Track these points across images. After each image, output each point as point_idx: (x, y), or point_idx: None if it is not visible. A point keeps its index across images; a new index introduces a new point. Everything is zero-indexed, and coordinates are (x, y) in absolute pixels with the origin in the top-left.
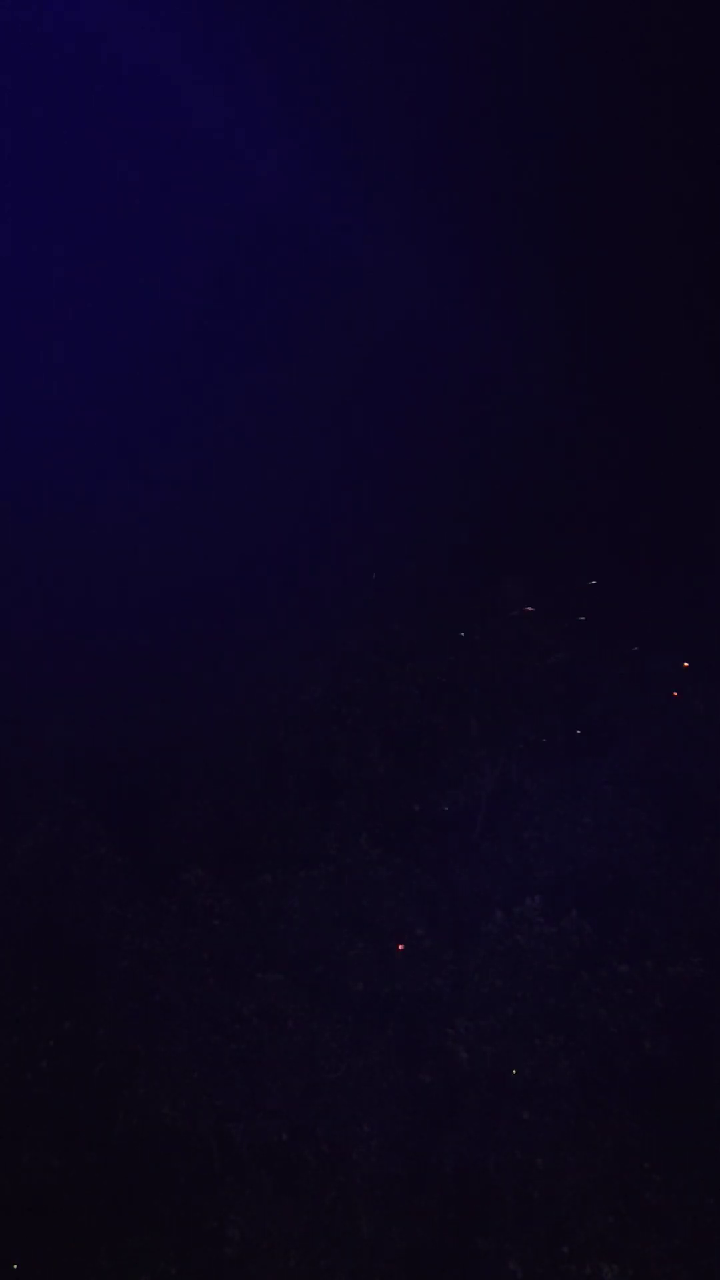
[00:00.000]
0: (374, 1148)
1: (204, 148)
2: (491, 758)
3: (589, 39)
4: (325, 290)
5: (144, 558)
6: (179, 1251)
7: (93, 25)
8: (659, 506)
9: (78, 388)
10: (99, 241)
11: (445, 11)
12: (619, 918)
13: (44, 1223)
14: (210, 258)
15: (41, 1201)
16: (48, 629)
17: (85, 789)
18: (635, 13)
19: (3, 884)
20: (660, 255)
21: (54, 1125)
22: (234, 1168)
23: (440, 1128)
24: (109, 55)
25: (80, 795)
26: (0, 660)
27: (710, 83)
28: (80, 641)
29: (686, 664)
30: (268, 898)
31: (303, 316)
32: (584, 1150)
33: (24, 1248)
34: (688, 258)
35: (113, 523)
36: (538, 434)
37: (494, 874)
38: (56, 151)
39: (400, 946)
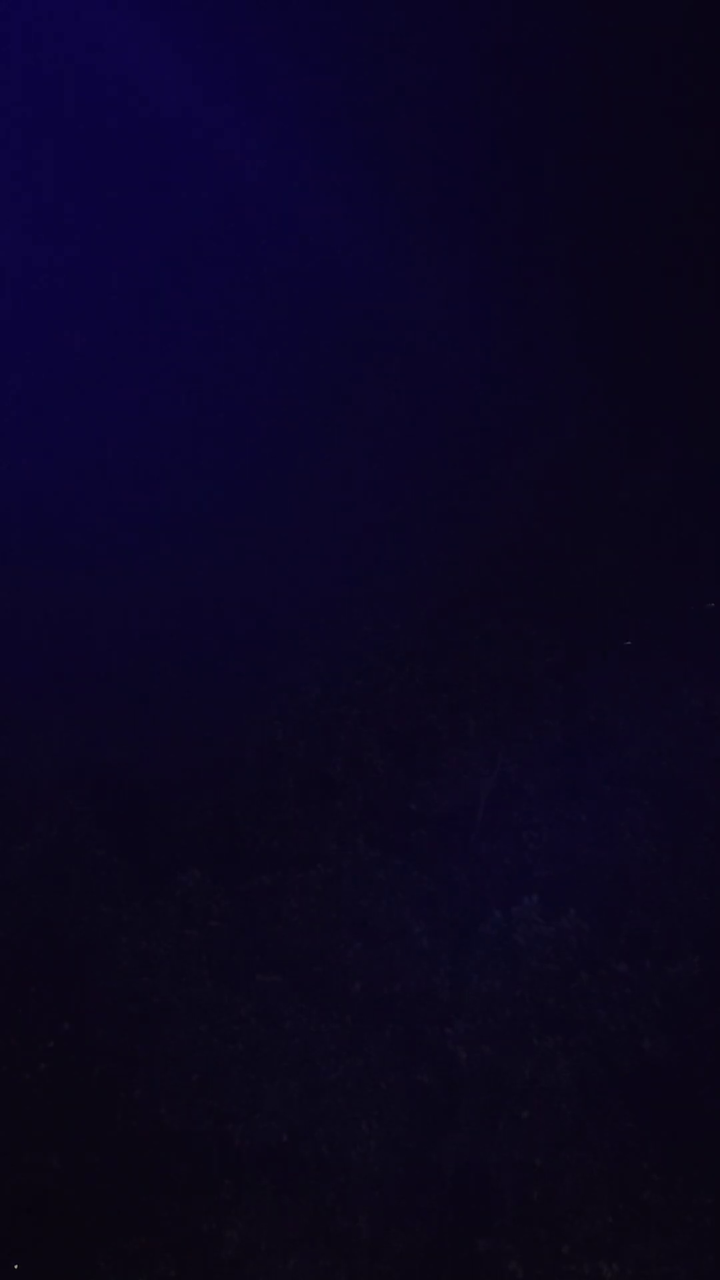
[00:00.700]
0: (373, 1148)
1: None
2: (490, 758)
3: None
4: (323, 292)
5: (141, 559)
6: (177, 1253)
7: (91, 30)
8: (660, 506)
9: (71, 396)
10: (94, 251)
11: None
12: (618, 917)
13: (42, 1224)
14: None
15: (40, 1203)
16: (44, 631)
17: (83, 791)
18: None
19: (0, 887)
20: (674, 256)
21: (52, 1127)
22: (233, 1169)
23: (439, 1128)
24: (102, 58)
25: (78, 797)
26: None
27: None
28: (77, 642)
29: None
30: (266, 899)
31: (303, 320)
32: (583, 1150)
33: (22, 1249)
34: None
35: (109, 524)
36: (539, 433)
37: (492, 874)
38: (49, 158)
39: None
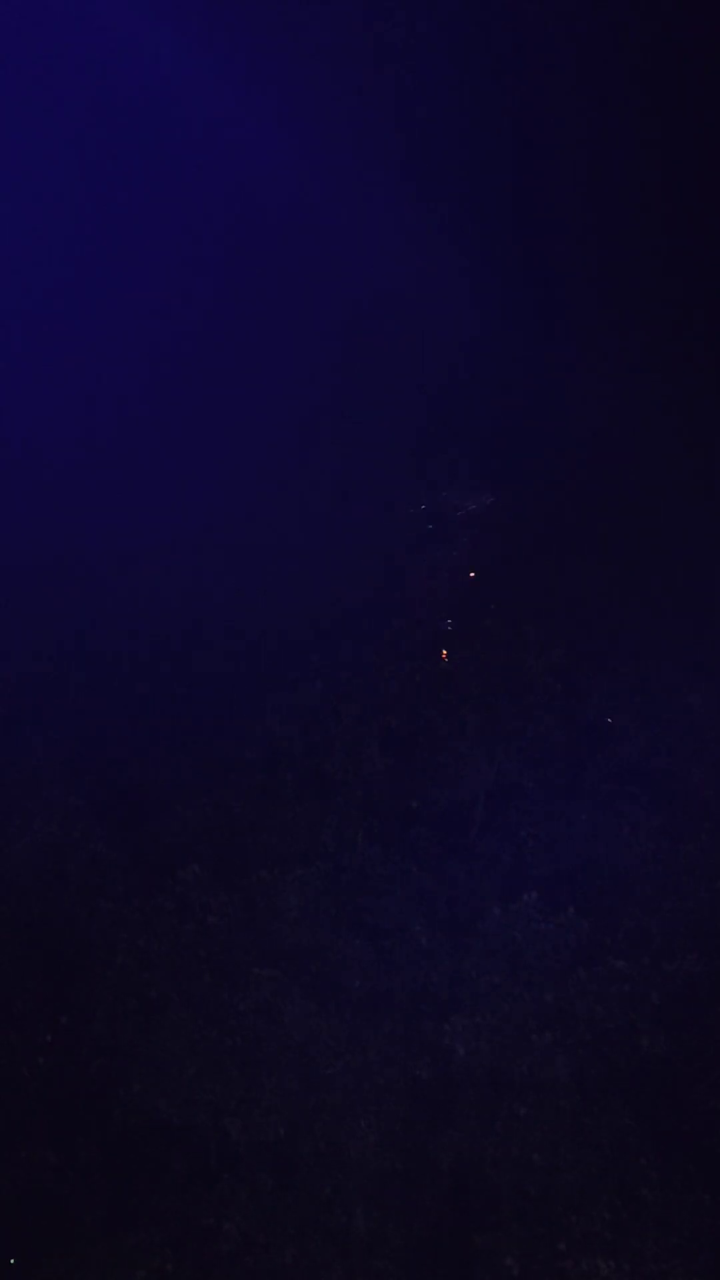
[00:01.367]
0: (370, 1144)
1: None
2: (489, 755)
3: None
4: (324, 270)
5: (140, 555)
6: (175, 1247)
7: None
8: (662, 504)
9: (70, 379)
10: (94, 228)
11: None
12: (616, 914)
13: (40, 1218)
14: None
15: (37, 1197)
16: (43, 627)
17: (82, 786)
18: None
19: None
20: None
21: (50, 1121)
22: (230, 1163)
23: (437, 1124)
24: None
25: (77, 793)
26: None
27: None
28: (75, 638)
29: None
30: (264, 895)
31: (305, 299)
32: (581, 1147)
33: (20, 1243)
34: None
35: (109, 521)
36: (541, 429)
37: (491, 871)
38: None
39: None
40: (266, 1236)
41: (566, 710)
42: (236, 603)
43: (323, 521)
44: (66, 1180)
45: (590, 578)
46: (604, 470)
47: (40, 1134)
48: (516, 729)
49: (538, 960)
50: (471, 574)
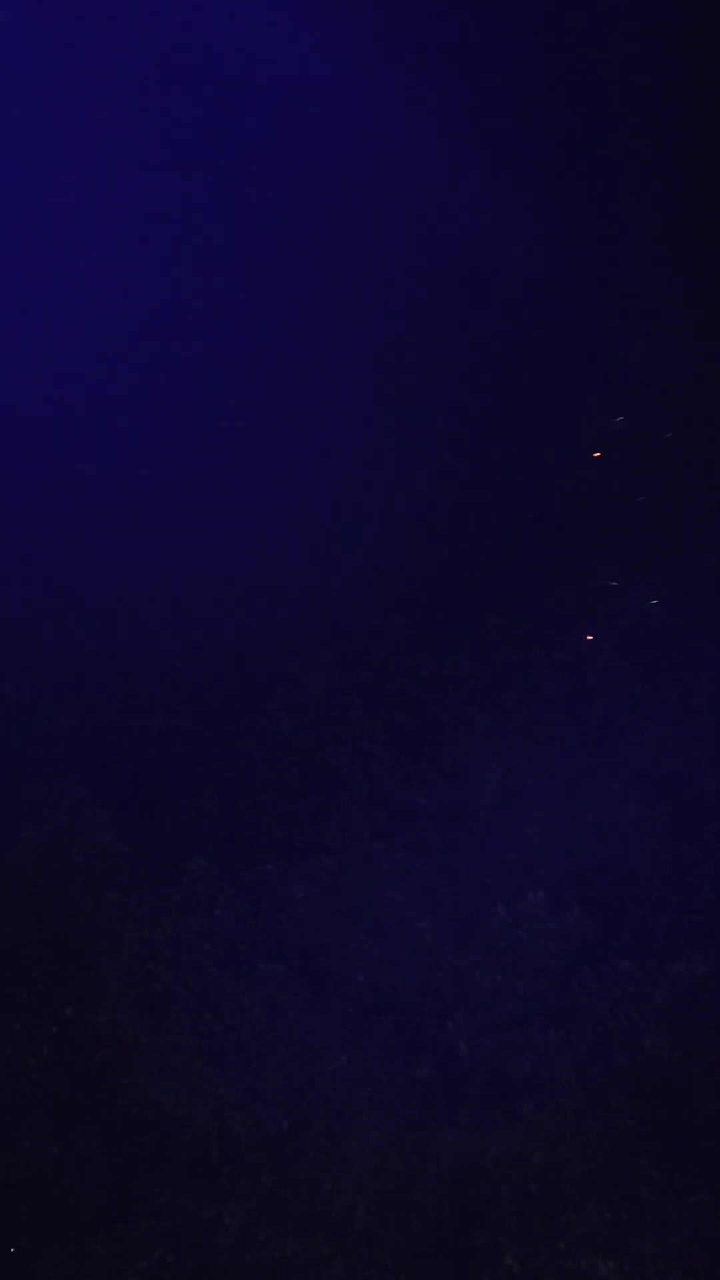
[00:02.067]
0: (371, 1140)
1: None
2: (495, 753)
3: None
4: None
5: (146, 548)
6: (175, 1238)
7: None
8: (669, 503)
9: (70, 341)
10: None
11: None
12: (621, 914)
13: (41, 1208)
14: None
15: (39, 1187)
16: (52, 620)
17: (90, 778)
18: None
19: (6, 871)
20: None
21: (53, 1111)
22: (232, 1157)
23: (438, 1121)
24: None
25: (85, 784)
26: (5, 651)
27: None
28: (84, 632)
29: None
30: (270, 889)
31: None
32: (582, 1146)
33: (21, 1233)
34: None
35: (114, 513)
36: (547, 423)
37: (496, 869)
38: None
39: None
40: (267, 1230)
41: (574, 709)
42: (243, 597)
43: (330, 516)
44: (67, 1170)
45: (601, 575)
46: (623, 471)
47: (43, 1124)
48: (523, 726)
49: (542, 959)
50: (480, 570)
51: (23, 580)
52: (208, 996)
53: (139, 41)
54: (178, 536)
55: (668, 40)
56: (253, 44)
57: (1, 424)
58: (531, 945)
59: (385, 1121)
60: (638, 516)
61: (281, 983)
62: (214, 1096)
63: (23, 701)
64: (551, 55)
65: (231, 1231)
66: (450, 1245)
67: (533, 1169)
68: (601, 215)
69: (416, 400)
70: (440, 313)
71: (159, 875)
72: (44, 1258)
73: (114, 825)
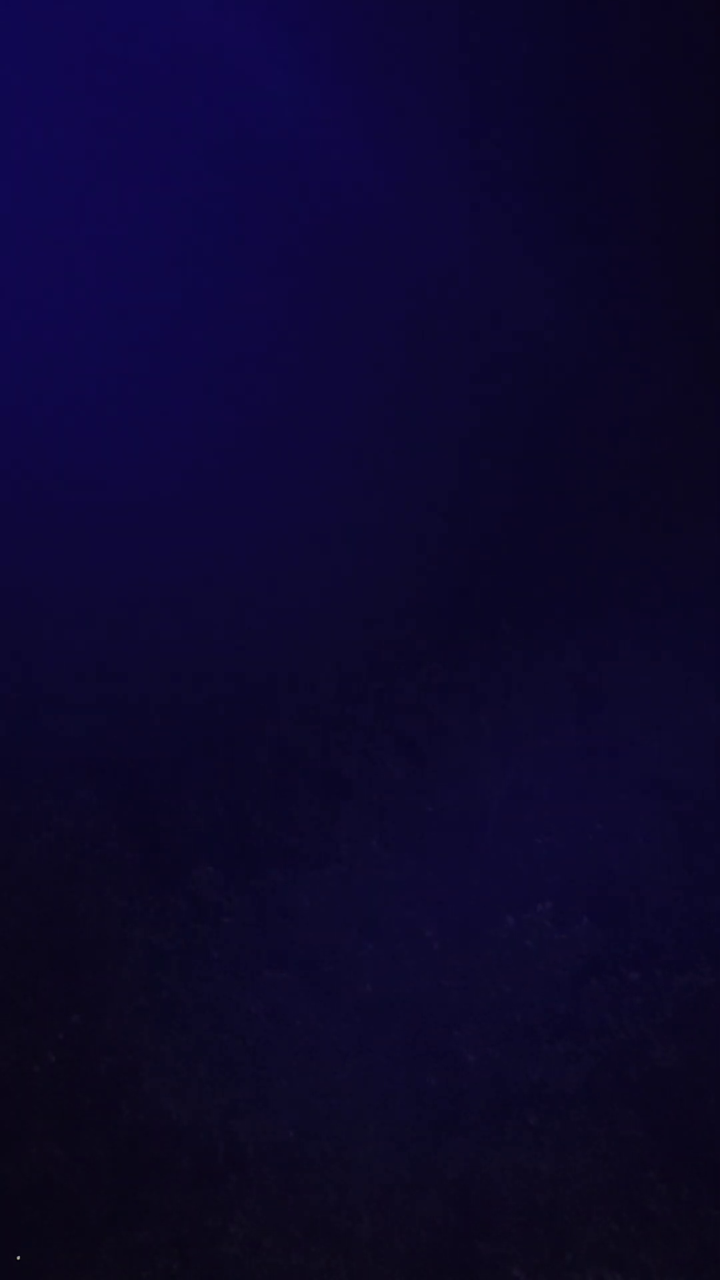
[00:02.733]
0: (378, 1149)
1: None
2: (503, 762)
3: None
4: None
5: (154, 553)
6: (181, 1246)
7: None
8: (673, 510)
9: (74, 357)
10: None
11: None
12: (629, 925)
13: (47, 1216)
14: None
15: (45, 1194)
16: (59, 626)
17: (99, 785)
18: None
19: (14, 878)
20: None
21: (60, 1119)
22: (238, 1165)
23: (444, 1131)
24: None
25: (94, 791)
26: (13, 658)
27: None
28: (92, 639)
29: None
30: (277, 897)
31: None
32: (589, 1157)
33: (27, 1240)
34: None
35: (120, 516)
36: (554, 428)
37: (504, 879)
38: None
39: None
40: (272, 1239)
41: (583, 718)
42: (250, 605)
43: (337, 524)
44: (73, 1177)
45: (610, 583)
46: (628, 477)
47: (49, 1131)
48: (531, 735)
49: (550, 969)
50: (486, 576)
51: (29, 586)
52: (214, 1004)
53: (146, 98)
54: (183, 541)
55: (663, 94)
56: (259, 100)
57: (1, 424)
58: (539, 955)
59: (391, 1131)
60: (644, 525)
61: (288, 991)
62: (220, 1105)
63: (30, 709)
64: (550, 111)
65: (237, 1240)
66: (456, 1256)
67: (539, 1180)
68: (599, 265)
69: (420, 404)
70: (442, 341)
71: (166, 883)
72: (50, 1265)
73: (121, 832)
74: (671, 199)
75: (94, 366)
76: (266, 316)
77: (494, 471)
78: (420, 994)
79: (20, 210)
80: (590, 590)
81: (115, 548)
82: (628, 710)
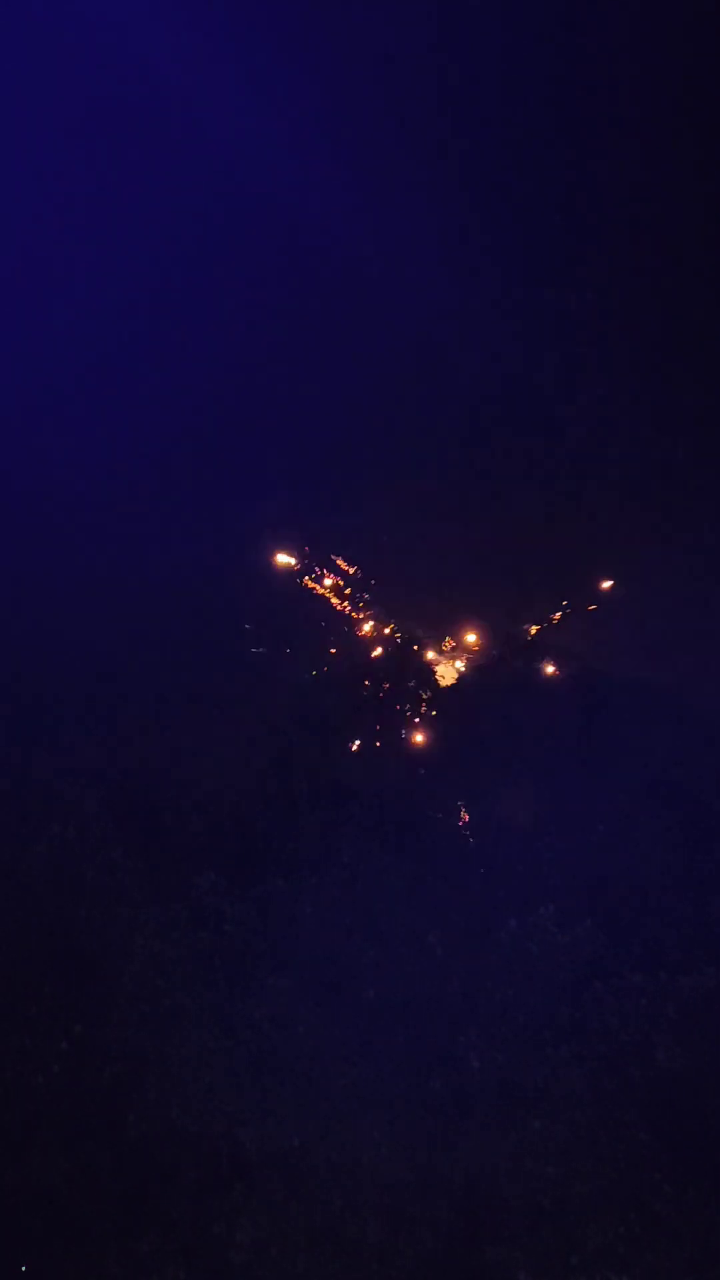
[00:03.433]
0: (383, 1154)
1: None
2: (505, 765)
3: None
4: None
5: (154, 565)
6: (187, 1255)
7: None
8: (673, 513)
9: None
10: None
11: None
12: (632, 927)
13: (52, 1225)
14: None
15: (50, 1204)
16: (60, 635)
17: (101, 793)
18: None
19: (17, 887)
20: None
21: (63, 1128)
22: (243, 1172)
23: (449, 1135)
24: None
25: (95, 799)
26: (14, 667)
27: None
28: (93, 648)
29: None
30: (280, 903)
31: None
32: (595, 1160)
33: (32, 1250)
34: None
35: (121, 532)
36: (546, 437)
37: (507, 882)
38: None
39: None
40: (278, 1246)
41: (584, 722)
42: (251, 613)
43: (336, 531)
44: (79, 1186)
45: (611, 588)
46: (627, 491)
47: (53, 1140)
48: (534, 739)
49: (553, 972)
50: (489, 582)
51: (30, 599)
52: (217, 1012)
53: (147, 161)
54: (184, 547)
55: (651, 149)
56: (245, 153)
57: (2, 425)
58: (543, 958)
59: (396, 1136)
60: (647, 537)
61: (291, 997)
62: (224, 1112)
63: (32, 719)
64: (537, 171)
65: (243, 1247)
66: (462, 1261)
67: (545, 1183)
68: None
69: (422, 409)
70: (431, 372)
71: (168, 890)
72: (55, 1275)
73: (123, 840)
74: (639, 248)
75: (94, 404)
76: (251, 354)
77: (487, 480)
78: (423, 999)
79: (13, 262)
80: (590, 590)
81: (116, 557)
82: (630, 717)
